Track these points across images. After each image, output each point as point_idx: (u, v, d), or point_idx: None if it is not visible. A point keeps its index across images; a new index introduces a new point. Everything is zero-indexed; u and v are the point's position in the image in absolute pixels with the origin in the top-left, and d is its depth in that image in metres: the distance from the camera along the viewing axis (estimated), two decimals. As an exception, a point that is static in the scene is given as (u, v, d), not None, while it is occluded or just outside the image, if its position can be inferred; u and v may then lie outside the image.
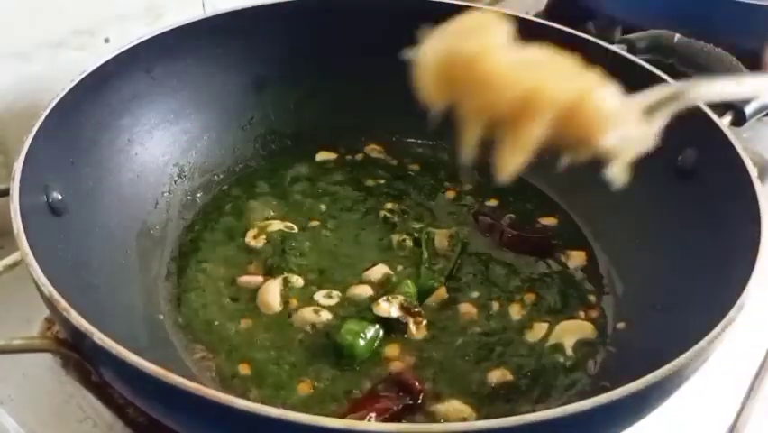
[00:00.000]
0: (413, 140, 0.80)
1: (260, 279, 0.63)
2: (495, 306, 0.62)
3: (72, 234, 0.56)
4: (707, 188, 0.59)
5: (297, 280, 0.63)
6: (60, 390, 0.58)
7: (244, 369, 0.56)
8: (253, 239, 0.67)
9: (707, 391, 0.54)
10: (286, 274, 0.63)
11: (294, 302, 0.61)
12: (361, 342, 0.57)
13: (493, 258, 0.66)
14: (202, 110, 0.73)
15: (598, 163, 0.69)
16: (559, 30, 0.70)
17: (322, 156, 0.77)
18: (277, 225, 0.68)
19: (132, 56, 0.66)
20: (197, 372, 0.56)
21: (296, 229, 0.68)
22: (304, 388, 0.55)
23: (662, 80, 0.64)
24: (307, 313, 0.60)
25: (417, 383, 0.54)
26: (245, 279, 0.63)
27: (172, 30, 0.68)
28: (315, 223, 0.69)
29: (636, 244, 0.64)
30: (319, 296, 0.62)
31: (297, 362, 0.57)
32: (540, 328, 0.60)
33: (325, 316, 0.60)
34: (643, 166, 0.66)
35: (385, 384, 0.54)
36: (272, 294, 0.61)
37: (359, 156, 0.78)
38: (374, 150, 0.79)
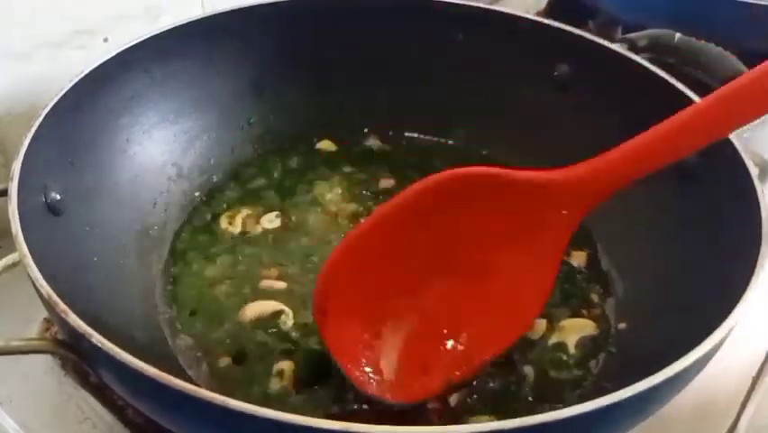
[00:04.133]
0: (413, 135, 0.79)
1: (259, 282, 0.63)
2: (494, 305, 0.62)
3: (71, 235, 0.56)
4: (707, 188, 0.59)
5: (286, 320, 0.60)
6: (60, 390, 0.58)
7: (242, 369, 0.56)
8: (242, 233, 0.67)
9: (707, 390, 0.54)
10: (283, 307, 0.60)
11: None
12: None
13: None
14: (200, 110, 0.72)
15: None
16: (559, 29, 0.70)
17: (321, 153, 0.77)
18: (275, 224, 0.68)
19: (132, 56, 0.66)
20: (195, 372, 0.56)
21: (293, 228, 0.68)
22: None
23: (662, 79, 0.64)
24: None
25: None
26: (243, 280, 0.63)
27: (171, 30, 0.68)
28: (313, 220, 0.69)
29: (637, 245, 0.64)
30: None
31: (294, 361, 0.56)
32: (541, 326, 0.60)
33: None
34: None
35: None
36: (250, 311, 0.60)
37: (359, 156, 0.78)
38: (374, 148, 0.79)
